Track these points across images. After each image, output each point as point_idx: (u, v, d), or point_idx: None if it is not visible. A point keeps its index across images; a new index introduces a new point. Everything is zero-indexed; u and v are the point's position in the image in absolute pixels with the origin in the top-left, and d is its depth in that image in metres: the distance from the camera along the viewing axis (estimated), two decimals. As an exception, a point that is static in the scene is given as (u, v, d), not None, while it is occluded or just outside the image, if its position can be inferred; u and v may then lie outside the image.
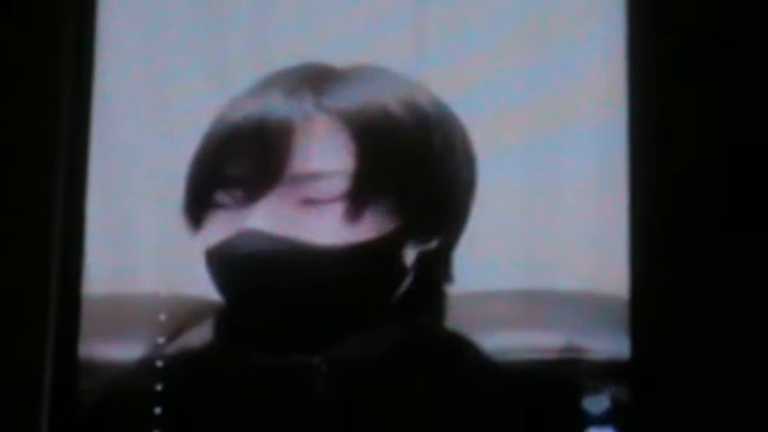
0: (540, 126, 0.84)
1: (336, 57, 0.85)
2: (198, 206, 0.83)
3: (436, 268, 0.83)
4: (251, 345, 0.82)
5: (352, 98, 0.83)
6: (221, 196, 0.83)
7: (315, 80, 0.84)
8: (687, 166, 0.83)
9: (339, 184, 0.82)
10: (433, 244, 0.83)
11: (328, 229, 0.81)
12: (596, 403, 0.81)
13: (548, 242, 0.84)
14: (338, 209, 0.82)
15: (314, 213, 0.82)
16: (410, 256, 0.82)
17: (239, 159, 0.82)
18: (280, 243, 0.81)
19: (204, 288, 0.84)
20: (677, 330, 0.82)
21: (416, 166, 0.83)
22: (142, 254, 0.85)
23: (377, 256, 0.82)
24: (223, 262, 0.82)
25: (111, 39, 0.87)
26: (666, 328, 0.82)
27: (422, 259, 0.83)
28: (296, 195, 0.82)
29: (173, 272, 0.84)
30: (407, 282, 0.83)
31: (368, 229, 0.82)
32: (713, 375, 0.81)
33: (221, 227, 0.82)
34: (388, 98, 0.83)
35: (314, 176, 0.82)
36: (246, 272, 0.82)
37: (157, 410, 0.83)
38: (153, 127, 0.86)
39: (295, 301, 0.82)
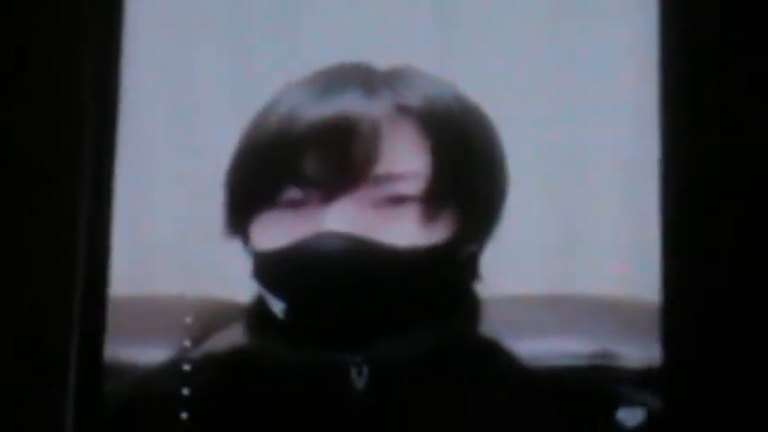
0: (567, 127, 0.84)
1: (365, 57, 0.84)
2: (261, 205, 0.81)
3: (471, 270, 0.82)
4: (295, 345, 0.81)
5: (423, 98, 0.82)
6: (295, 194, 0.81)
7: (387, 79, 0.82)
8: (720, 167, 0.83)
9: (416, 186, 0.81)
10: (479, 246, 0.82)
11: (405, 231, 0.80)
12: (631, 415, 0.81)
13: (578, 247, 0.83)
14: (415, 211, 0.81)
15: (391, 215, 0.80)
16: (463, 258, 0.82)
17: (322, 157, 0.80)
18: (360, 245, 0.80)
19: (231, 290, 0.83)
20: (710, 337, 0.81)
21: (480, 168, 0.82)
22: (168, 255, 0.83)
23: (443, 258, 0.81)
24: (299, 262, 0.80)
25: (138, 43, 0.86)
26: (699, 335, 0.81)
27: (466, 262, 0.82)
28: (375, 197, 0.80)
29: (199, 274, 0.83)
30: (451, 286, 0.82)
31: (440, 231, 0.81)
32: (746, 382, 0.81)
33: (288, 226, 0.81)
34: (450, 100, 0.82)
35: (395, 178, 0.81)
36: (322, 272, 0.80)
37: (184, 416, 0.82)
38: (180, 127, 0.85)
39: (352, 302, 0.80)
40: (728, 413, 0.81)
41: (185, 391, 0.82)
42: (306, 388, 0.81)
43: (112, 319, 0.83)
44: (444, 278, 0.82)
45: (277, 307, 0.82)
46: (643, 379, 0.81)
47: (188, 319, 0.83)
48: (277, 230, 0.81)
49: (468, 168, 0.82)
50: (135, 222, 0.84)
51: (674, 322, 0.82)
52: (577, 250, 0.83)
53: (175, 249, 0.84)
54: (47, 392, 0.81)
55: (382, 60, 0.84)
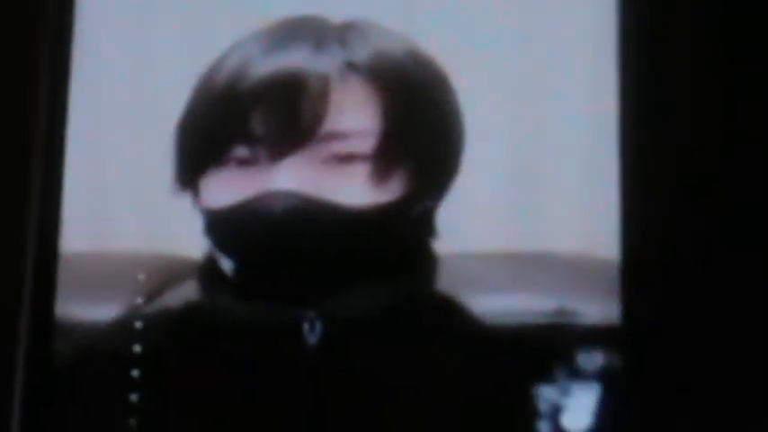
0: (528, 85, 0.83)
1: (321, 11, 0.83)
2: (209, 162, 0.80)
3: (427, 226, 0.81)
4: (246, 303, 0.80)
5: (375, 55, 0.81)
6: (243, 152, 0.80)
7: (339, 34, 0.82)
8: (680, 125, 0.82)
9: (367, 144, 0.80)
10: (434, 202, 0.81)
11: (357, 189, 0.79)
12: (589, 360, 0.80)
13: (537, 204, 0.82)
14: (365, 169, 0.80)
15: (342, 174, 0.79)
16: (416, 214, 0.81)
17: (269, 114, 0.79)
18: (309, 204, 0.79)
19: (185, 247, 0.82)
20: (670, 295, 0.80)
21: (434, 125, 0.81)
22: (121, 211, 0.82)
23: (396, 215, 0.80)
24: (246, 220, 0.80)
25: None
26: (658, 292, 0.80)
27: (419, 218, 0.81)
28: (324, 155, 0.80)
29: (153, 230, 0.82)
30: (406, 243, 0.81)
31: (392, 189, 0.80)
32: (706, 341, 0.80)
33: (236, 184, 0.80)
34: (402, 56, 0.81)
35: (344, 136, 0.80)
36: (272, 232, 0.79)
37: (135, 373, 0.80)
38: (135, 83, 0.84)
39: (303, 260, 0.80)
40: (687, 372, 0.80)
41: (137, 348, 0.81)
42: (257, 344, 0.80)
43: (64, 275, 0.82)
44: (398, 234, 0.81)
45: (227, 266, 0.81)
46: (602, 337, 0.80)
47: (141, 276, 0.82)
48: (226, 189, 0.80)
49: (420, 125, 0.81)
50: (87, 178, 0.83)
51: (633, 280, 0.81)
52: (537, 207, 0.82)
53: (129, 204, 0.83)
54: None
55: (343, 12, 0.83)
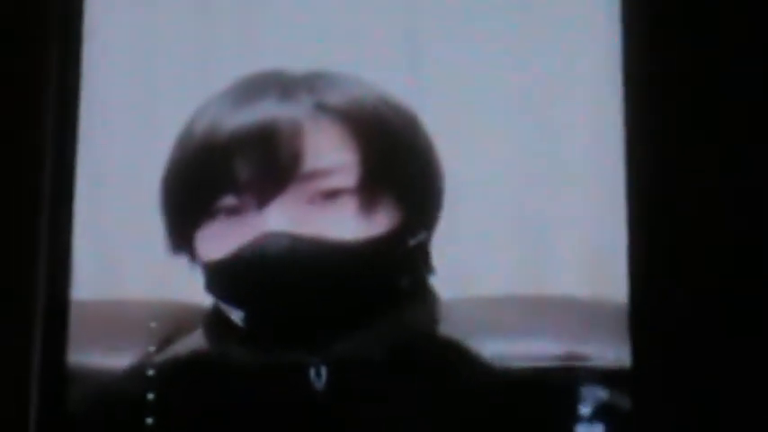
0: (533, 127, 0.84)
1: (328, 59, 0.84)
2: (198, 216, 0.81)
3: (422, 261, 0.82)
4: (255, 350, 0.81)
5: (343, 96, 0.83)
6: (231, 202, 0.81)
7: (305, 82, 0.83)
8: (687, 166, 0.82)
9: (348, 179, 0.81)
10: (423, 236, 0.82)
11: (347, 223, 0.81)
12: (599, 402, 0.81)
13: (545, 248, 0.83)
14: (351, 203, 0.81)
15: (330, 209, 0.81)
16: (411, 248, 0.82)
17: (248, 162, 0.81)
18: (302, 242, 0.80)
19: (196, 295, 0.82)
20: (679, 337, 0.81)
21: (411, 160, 0.83)
22: (131, 260, 0.83)
23: (391, 248, 0.81)
24: (246, 267, 0.80)
25: (99, 36, 0.86)
26: (667, 335, 0.81)
27: (413, 253, 0.82)
28: (309, 193, 0.81)
29: (163, 278, 0.82)
30: (404, 279, 0.82)
31: (382, 221, 0.81)
32: (714, 382, 0.81)
33: (230, 234, 0.81)
34: (370, 96, 0.83)
35: (324, 173, 0.81)
36: (272, 274, 0.80)
37: (149, 421, 0.81)
38: (142, 132, 0.85)
39: (307, 301, 0.80)
40: (696, 414, 0.80)
41: (150, 396, 0.81)
42: (266, 391, 0.80)
43: (75, 323, 0.82)
44: (395, 269, 0.82)
45: (235, 315, 0.82)
46: (612, 380, 0.81)
47: (153, 324, 0.82)
48: (220, 239, 0.81)
49: (396, 158, 0.83)
50: (98, 226, 0.83)
51: (641, 323, 0.81)
52: (545, 252, 0.83)
53: (139, 253, 0.83)
54: (9, 401, 0.80)
55: (345, 65, 0.84)
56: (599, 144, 0.83)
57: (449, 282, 0.82)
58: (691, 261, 0.82)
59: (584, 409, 0.81)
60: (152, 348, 0.82)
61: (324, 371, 0.80)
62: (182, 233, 0.82)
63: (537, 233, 0.83)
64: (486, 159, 0.83)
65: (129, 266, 0.83)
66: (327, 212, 0.81)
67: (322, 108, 0.82)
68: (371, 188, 0.81)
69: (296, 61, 0.84)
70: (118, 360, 0.82)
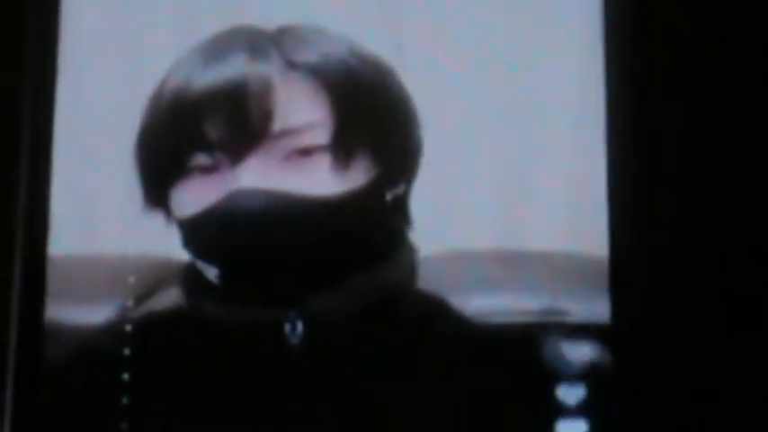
0: (515, 82, 0.83)
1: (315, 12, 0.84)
2: (172, 175, 0.81)
3: (400, 215, 0.82)
4: (231, 307, 0.81)
5: (314, 53, 0.82)
6: (204, 161, 0.81)
7: (275, 39, 0.83)
8: (667, 121, 0.82)
9: (322, 136, 0.81)
10: (402, 189, 0.82)
11: (320, 179, 0.80)
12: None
13: (524, 201, 0.82)
14: (326, 160, 0.81)
15: (304, 166, 0.80)
16: (387, 201, 0.82)
17: (220, 121, 0.80)
18: (277, 198, 0.80)
19: (174, 249, 0.82)
20: (659, 293, 0.80)
21: (385, 113, 0.82)
22: (109, 214, 0.82)
23: (367, 202, 0.81)
24: (220, 224, 0.80)
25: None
26: (648, 290, 0.80)
27: (391, 206, 0.82)
28: (283, 151, 0.80)
29: (141, 233, 0.82)
30: (381, 233, 0.82)
31: (357, 176, 0.81)
32: (695, 338, 0.80)
33: (204, 191, 0.81)
34: (343, 53, 0.82)
35: (297, 130, 0.81)
36: (247, 231, 0.80)
37: (125, 376, 0.81)
38: (122, 87, 0.84)
39: (282, 257, 0.80)
40: (676, 370, 0.80)
41: (127, 352, 0.81)
42: (242, 347, 0.80)
43: (53, 279, 0.82)
44: (372, 223, 0.82)
45: (211, 273, 0.81)
46: (592, 335, 0.80)
47: (131, 279, 0.82)
48: (194, 197, 0.81)
49: (370, 112, 0.82)
50: (75, 180, 0.83)
51: (622, 278, 0.81)
52: (525, 206, 0.82)
53: (118, 207, 0.83)
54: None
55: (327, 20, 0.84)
56: (581, 94, 0.83)
57: (428, 236, 0.82)
58: (673, 215, 0.81)
59: (565, 366, 0.80)
60: (130, 303, 0.81)
61: (299, 325, 0.80)
62: (156, 192, 0.82)
63: (517, 187, 0.82)
64: (467, 109, 0.83)
65: (107, 221, 0.82)
66: (302, 169, 0.80)
67: (292, 65, 0.82)
68: (346, 143, 0.81)
69: (280, 12, 0.84)
70: (95, 315, 0.81)
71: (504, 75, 0.83)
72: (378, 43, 0.83)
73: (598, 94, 0.83)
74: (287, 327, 0.80)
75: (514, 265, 0.82)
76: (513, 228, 0.82)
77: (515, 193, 0.82)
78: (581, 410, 0.80)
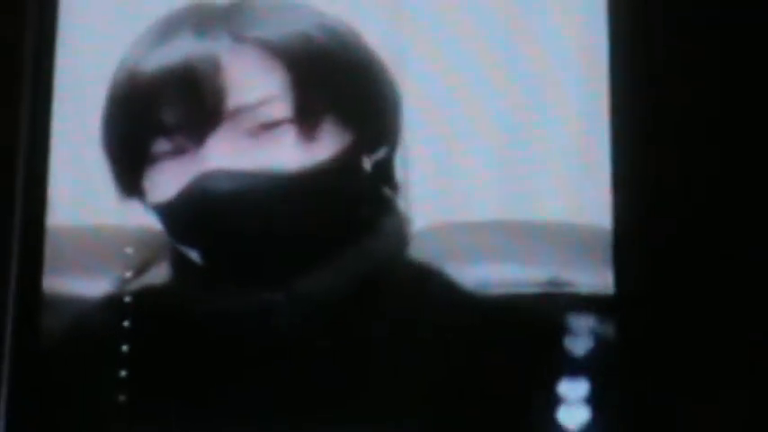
0: (518, 53, 0.82)
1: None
2: (139, 163, 0.80)
3: (384, 181, 0.80)
4: (217, 288, 0.80)
5: (270, 28, 0.80)
6: (162, 146, 0.80)
7: (225, 16, 0.81)
8: (673, 89, 0.81)
9: (283, 109, 0.79)
10: (383, 153, 0.80)
11: (288, 153, 0.79)
12: (579, 343, 0.79)
13: (528, 172, 0.81)
14: (292, 132, 0.79)
15: (270, 141, 0.79)
16: (366, 168, 0.80)
17: (173, 105, 0.79)
18: (246, 176, 0.79)
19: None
20: (663, 264, 0.79)
21: (350, 78, 0.80)
22: (107, 185, 0.82)
23: (340, 170, 0.79)
24: (190, 207, 0.79)
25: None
26: (652, 262, 0.79)
27: (373, 173, 0.80)
28: (245, 128, 0.79)
29: (139, 204, 0.81)
30: (365, 202, 0.80)
31: (326, 146, 0.79)
32: (699, 310, 0.79)
33: (173, 176, 0.79)
34: (303, 24, 0.80)
35: (253, 106, 0.79)
36: (220, 212, 0.79)
37: (124, 348, 0.80)
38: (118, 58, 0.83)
39: (261, 237, 0.79)
40: (681, 341, 0.79)
41: (126, 323, 0.80)
42: (230, 329, 0.79)
43: (51, 250, 0.81)
44: (351, 193, 0.80)
45: (193, 255, 0.80)
46: (595, 307, 0.79)
47: (129, 250, 0.81)
48: (165, 182, 0.80)
49: (332, 79, 0.80)
50: (74, 151, 0.82)
51: (626, 249, 0.80)
52: (528, 176, 0.81)
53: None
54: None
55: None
56: (583, 66, 0.82)
57: (429, 207, 0.81)
58: (678, 186, 0.80)
59: (569, 338, 0.79)
60: (128, 275, 0.81)
61: (287, 307, 0.79)
62: (127, 180, 0.81)
63: (520, 157, 0.81)
64: (468, 76, 0.81)
65: (105, 192, 0.82)
66: (269, 144, 0.79)
67: (240, 39, 0.80)
68: (308, 113, 0.79)
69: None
70: (93, 286, 0.81)
71: (505, 42, 0.82)
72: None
73: (600, 65, 0.82)
74: (275, 309, 0.79)
75: (517, 236, 0.80)
76: (516, 198, 0.81)
77: (518, 163, 0.81)
78: (584, 379, 0.78)
